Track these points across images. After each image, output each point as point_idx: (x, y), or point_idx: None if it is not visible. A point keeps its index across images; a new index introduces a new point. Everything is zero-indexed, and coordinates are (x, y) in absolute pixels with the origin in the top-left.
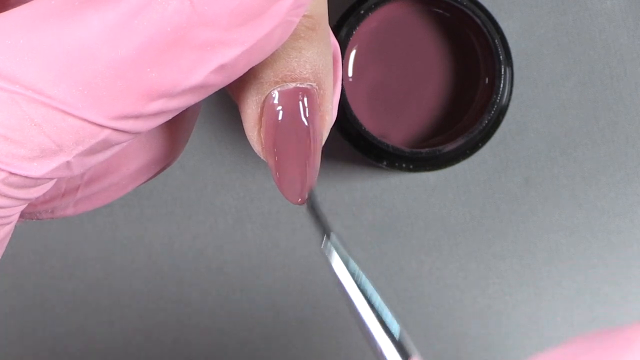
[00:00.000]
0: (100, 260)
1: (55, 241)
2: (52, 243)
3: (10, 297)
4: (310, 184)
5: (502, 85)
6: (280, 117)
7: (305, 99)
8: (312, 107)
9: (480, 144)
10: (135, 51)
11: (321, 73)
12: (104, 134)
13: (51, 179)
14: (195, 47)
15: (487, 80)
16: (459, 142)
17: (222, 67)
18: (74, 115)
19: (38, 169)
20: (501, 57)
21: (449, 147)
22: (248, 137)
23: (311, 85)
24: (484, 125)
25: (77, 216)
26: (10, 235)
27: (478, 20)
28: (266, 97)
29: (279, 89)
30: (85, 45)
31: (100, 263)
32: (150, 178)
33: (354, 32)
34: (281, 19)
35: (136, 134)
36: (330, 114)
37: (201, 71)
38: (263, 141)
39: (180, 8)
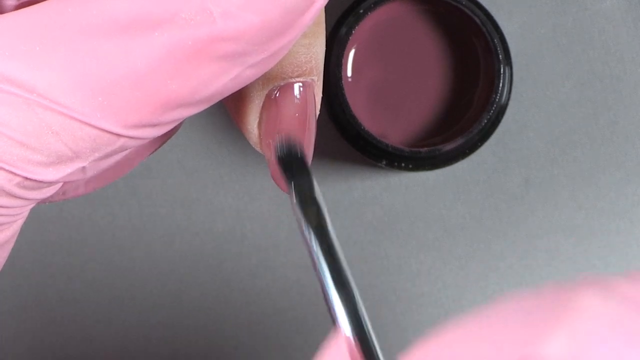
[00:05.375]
0: (100, 260)
1: (55, 241)
2: (52, 243)
3: (10, 297)
4: None
5: (501, 85)
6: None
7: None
8: (310, 99)
9: (479, 144)
10: (154, 63)
11: (321, 65)
12: (121, 141)
13: (65, 181)
14: (216, 59)
15: (486, 79)
16: (459, 141)
17: (240, 74)
18: (91, 125)
19: (53, 174)
20: (500, 56)
21: (449, 146)
22: (245, 131)
23: (312, 80)
24: (484, 124)
25: (77, 216)
26: (20, 228)
27: (477, 20)
28: (269, 92)
29: (282, 83)
30: (103, 55)
31: (100, 263)
32: (157, 148)
33: (353, 32)
34: (303, 29)
35: (151, 138)
36: (319, 94)
37: (221, 80)
38: (262, 134)
39: (203, 23)
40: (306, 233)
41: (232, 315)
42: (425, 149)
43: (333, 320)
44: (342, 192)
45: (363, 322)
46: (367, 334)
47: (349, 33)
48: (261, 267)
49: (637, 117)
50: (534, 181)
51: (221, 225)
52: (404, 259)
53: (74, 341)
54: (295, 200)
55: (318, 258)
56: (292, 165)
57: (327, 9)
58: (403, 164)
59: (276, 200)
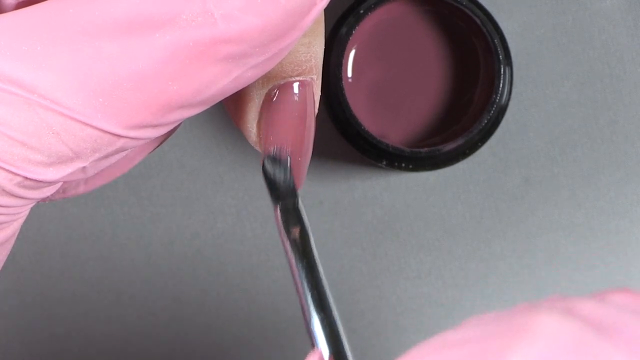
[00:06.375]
0: (100, 260)
1: (55, 241)
2: (52, 243)
3: (10, 297)
4: (302, 173)
5: (501, 85)
6: (280, 110)
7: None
8: (309, 98)
9: (479, 144)
10: (156, 65)
11: (320, 64)
12: (121, 142)
13: (65, 181)
14: (217, 61)
15: (486, 79)
16: (459, 141)
17: (241, 75)
18: (92, 126)
19: (53, 174)
20: (501, 56)
21: (449, 146)
22: (245, 130)
23: (312, 78)
24: (484, 124)
25: (77, 216)
26: (20, 227)
27: (477, 20)
28: (268, 91)
29: (282, 82)
30: (104, 56)
31: (100, 263)
32: (157, 146)
33: (353, 32)
34: (304, 30)
35: (152, 138)
36: (319, 93)
37: (222, 82)
38: (262, 133)
39: (204, 25)
40: (290, 254)
41: (232, 314)
42: (426, 149)
43: (312, 341)
44: (342, 192)
45: (341, 345)
46: (345, 356)
47: (349, 33)
48: (261, 267)
49: (636, 116)
50: (533, 181)
51: (221, 225)
52: (404, 259)
53: (74, 341)
54: (280, 221)
55: (301, 279)
56: (278, 186)
57: (327, 8)
58: (403, 164)
59: None
